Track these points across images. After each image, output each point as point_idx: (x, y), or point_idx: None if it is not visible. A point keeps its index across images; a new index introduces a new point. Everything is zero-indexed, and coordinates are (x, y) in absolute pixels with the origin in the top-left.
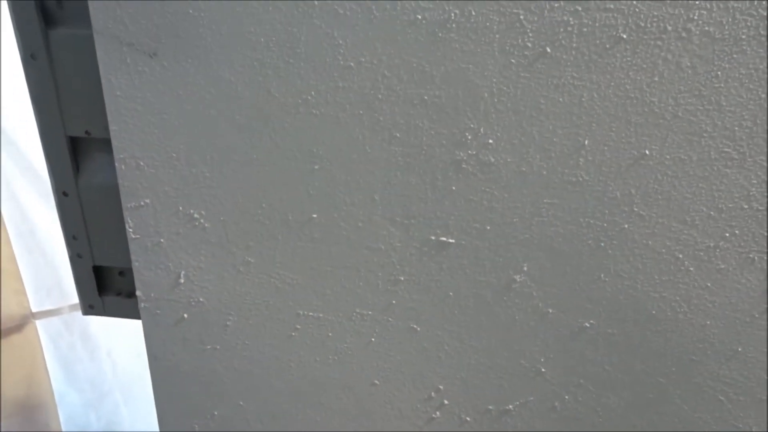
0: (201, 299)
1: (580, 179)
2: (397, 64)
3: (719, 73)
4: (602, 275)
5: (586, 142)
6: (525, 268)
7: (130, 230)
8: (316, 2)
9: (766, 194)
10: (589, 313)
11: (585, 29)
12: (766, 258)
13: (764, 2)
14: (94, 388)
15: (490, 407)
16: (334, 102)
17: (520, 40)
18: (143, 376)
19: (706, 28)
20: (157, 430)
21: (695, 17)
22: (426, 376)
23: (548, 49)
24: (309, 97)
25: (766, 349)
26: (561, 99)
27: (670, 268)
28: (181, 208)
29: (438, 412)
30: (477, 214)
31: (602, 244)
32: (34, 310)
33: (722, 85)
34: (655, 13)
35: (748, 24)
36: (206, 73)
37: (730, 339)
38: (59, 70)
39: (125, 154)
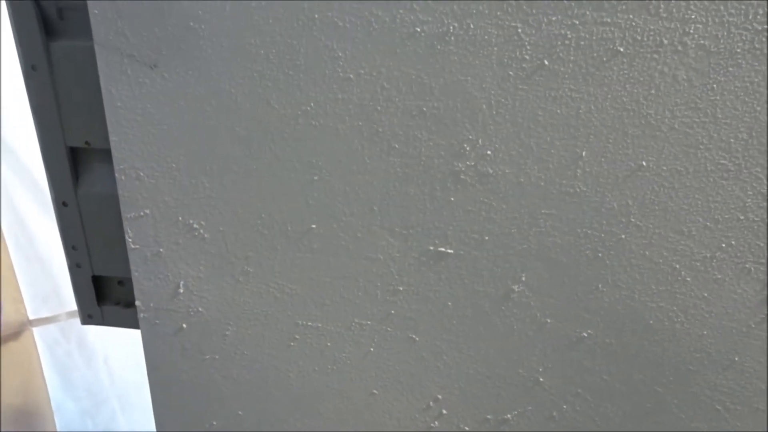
0: (200, 309)
1: (578, 190)
2: (396, 76)
3: (715, 86)
4: (600, 285)
5: (584, 154)
6: (523, 278)
7: (130, 240)
8: (315, 15)
9: (761, 205)
10: (587, 323)
11: (582, 42)
12: (762, 268)
13: (759, 17)
14: (90, 395)
15: (489, 417)
16: (334, 113)
17: (518, 53)
18: (140, 384)
19: (702, 42)
20: None
21: (691, 31)
22: (424, 386)
23: (546, 62)
24: (308, 109)
25: (763, 359)
26: (559, 111)
27: (667, 278)
28: (180, 218)
29: (436, 422)
30: (475, 225)
31: (600, 255)
32: (31, 317)
33: (718, 97)
34: (652, 27)
35: (743, 38)
36: (206, 85)
37: (727, 348)
38: (60, 82)
39: (125, 164)
